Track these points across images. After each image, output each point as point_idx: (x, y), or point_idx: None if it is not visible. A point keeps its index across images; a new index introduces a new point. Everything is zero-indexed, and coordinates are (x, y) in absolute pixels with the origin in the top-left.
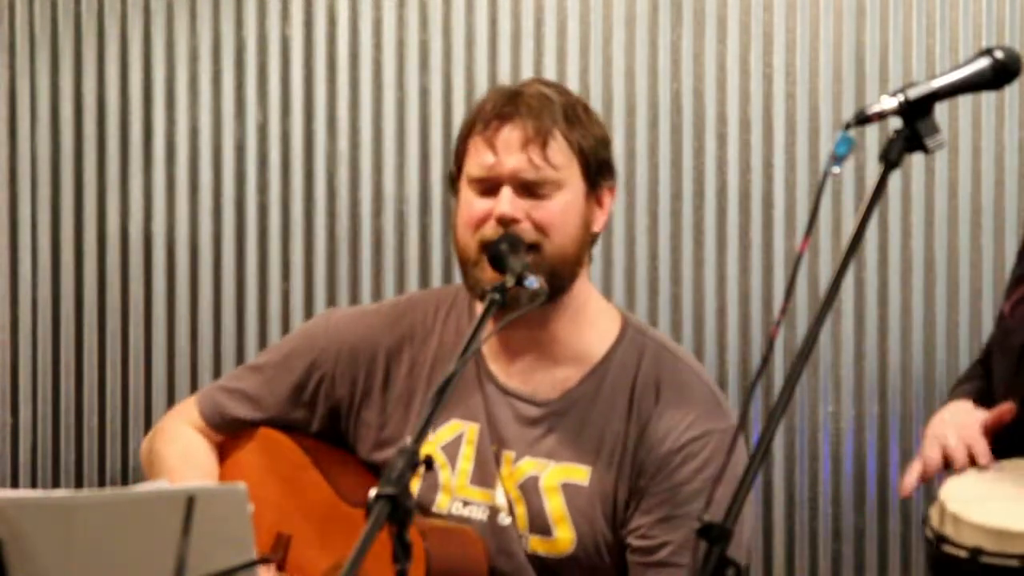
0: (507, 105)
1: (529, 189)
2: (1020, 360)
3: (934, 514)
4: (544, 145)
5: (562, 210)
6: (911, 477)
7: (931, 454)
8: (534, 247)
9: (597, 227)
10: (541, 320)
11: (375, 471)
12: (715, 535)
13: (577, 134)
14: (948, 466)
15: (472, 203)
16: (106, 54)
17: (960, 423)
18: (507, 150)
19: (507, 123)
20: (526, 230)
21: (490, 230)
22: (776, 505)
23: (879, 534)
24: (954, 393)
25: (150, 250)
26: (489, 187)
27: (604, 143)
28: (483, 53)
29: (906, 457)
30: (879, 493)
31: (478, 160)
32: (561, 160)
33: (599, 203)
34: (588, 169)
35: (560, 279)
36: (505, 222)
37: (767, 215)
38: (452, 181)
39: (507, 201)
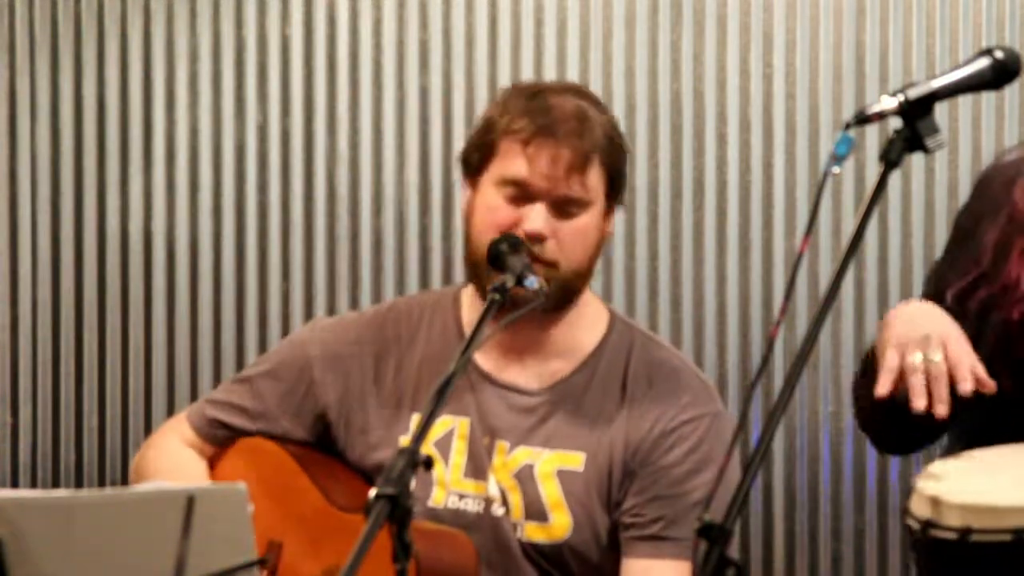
0: (551, 121)
1: (560, 208)
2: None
3: (914, 503)
4: (584, 171)
5: (585, 229)
6: (886, 380)
7: (911, 362)
8: (552, 264)
9: (605, 239)
10: (542, 322)
11: (366, 477)
12: (715, 535)
13: (613, 157)
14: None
15: (498, 207)
16: (106, 54)
17: (948, 338)
18: (548, 168)
19: (550, 138)
20: (550, 247)
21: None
22: (776, 505)
23: (879, 534)
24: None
25: (150, 250)
26: (520, 195)
27: (626, 161)
28: (483, 53)
29: (906, 457)
30: (879, 493)
31: (515, 166)
32: (595, 184)
33: (610, 218)
34: (612, 189)
35: (571, 293)
36: (533, 238)
37: (767, 215)
38: (470, 169)
39: (540, 219)
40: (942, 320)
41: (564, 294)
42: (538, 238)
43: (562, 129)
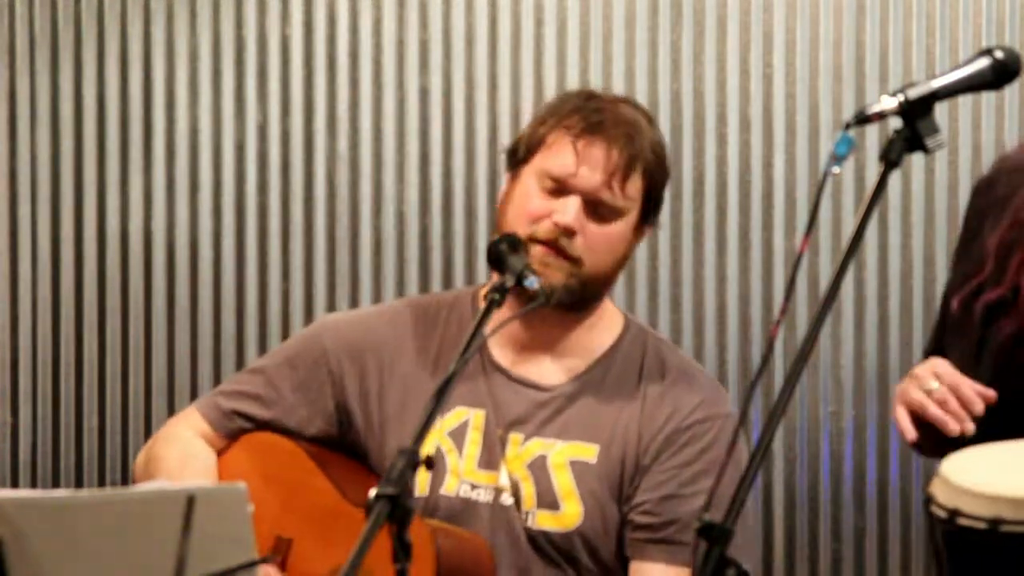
0: (601, 119)
1: (595, 209)
2: (978, 355)
3: (939, 491)
4: (626, 177)
5: (615, 237)
6: (906, 422)
7: (915, 397)
8: (576, 260)
9: (631, 253)
10: (562, 320)
11: (375, 470)
12: (715, 535)
13: (654, 171)
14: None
15: (533, 196)
16: (106, 54)
17: (937, 368)
18: (592, 166)
19: (599, 137)
20: (577, 243)
21: (544, 230)
22: (776, 505)
23: (879, 534)
24: None
25: (150, 250)
26: (558, 189)
27: (666, 181)
28: (483, 53)
29: (906, 457)
30: (879, 493)
31: (560, 160)
32: (634, 193)
33: (641, 234)
34: (648, 205)
35: (589, 294)
36: (566, 231)
37: (767, 215)
38: (514, 160)
39: (573, 213)
40: (927, 361)
41: (584, 294)
42: (568, 231)
43: (613, 131)
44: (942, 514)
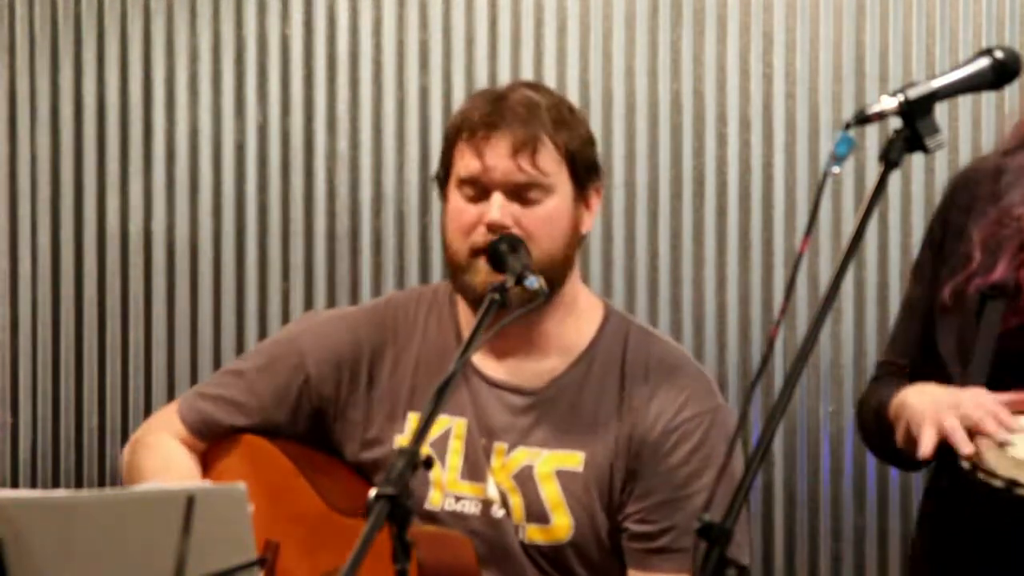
0: (494, 112)
1: (519, 195)
2: (975, 340)
3: (992, 460)
4: (534, 152)
5: (550, 216)
6: (930, 444)
7: (949, 423)
8: None
9: (585, 228)
10: (533, 317)
11: (362, 473)
12: (715, 535)
13: (565, 137)
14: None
15: (462, 209)
16: (106, 54)
17: (969, 397)
18: (497, 157)
19: (496, 130)
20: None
21: (480, 236)
22: (776, 505)
23: (879, 534)
24: (883, 391)
25: (150, 249)
26: (479, 192)
27: (590, 143)
28: (483, 53)
29: None
30: (879, 493)
31: (467, 166)
32: (551, 166)
33: (587, 205)
34: (576, 172)
35: (550, 279)
36: (495, 228)
37: (767, 215)
38: (440, 184)
39: (497, 208)
40: (947, 390)
41: (546, 279)
42: (499, 227)
43: (507, 117)
44: (999, 484)
